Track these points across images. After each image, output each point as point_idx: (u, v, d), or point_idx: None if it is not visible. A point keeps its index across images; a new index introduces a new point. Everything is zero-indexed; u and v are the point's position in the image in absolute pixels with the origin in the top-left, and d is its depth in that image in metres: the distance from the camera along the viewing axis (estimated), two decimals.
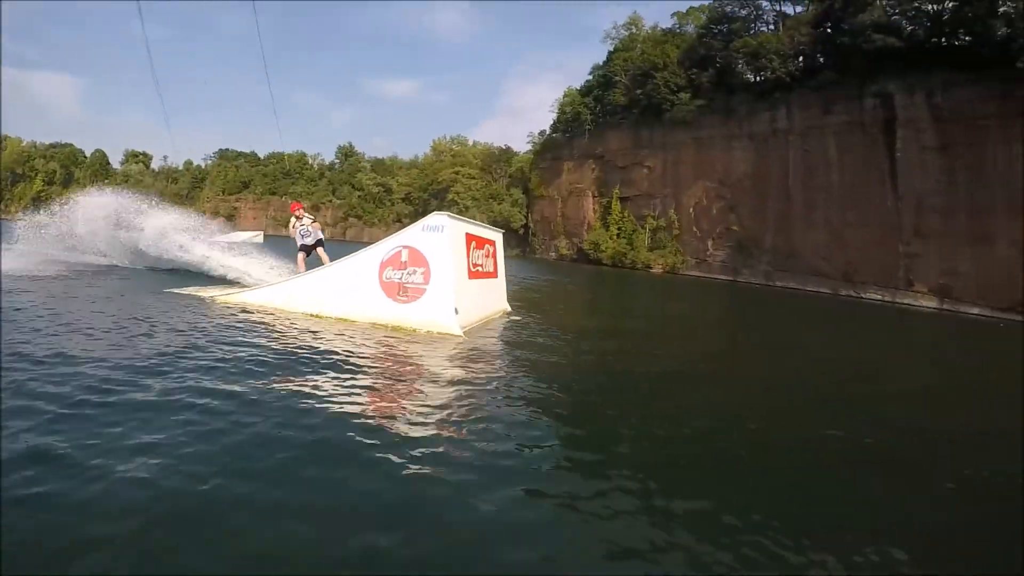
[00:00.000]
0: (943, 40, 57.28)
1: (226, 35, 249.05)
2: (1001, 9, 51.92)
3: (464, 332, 10.77)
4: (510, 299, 17.09)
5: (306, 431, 5.37)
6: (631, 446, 6.14)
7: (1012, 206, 51.11)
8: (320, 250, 15.01)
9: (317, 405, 6.12)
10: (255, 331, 9.65)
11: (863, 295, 59.86)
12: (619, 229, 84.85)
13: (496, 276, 14.94)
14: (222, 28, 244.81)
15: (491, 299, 14.21)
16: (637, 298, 34.81)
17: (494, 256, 14.63)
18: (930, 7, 58.23)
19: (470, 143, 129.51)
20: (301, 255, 14.92)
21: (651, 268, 79.11)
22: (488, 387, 7.49)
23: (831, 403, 9.55)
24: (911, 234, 57.52)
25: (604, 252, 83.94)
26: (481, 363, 8.86)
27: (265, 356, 7.93)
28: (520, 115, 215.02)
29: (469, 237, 12.50)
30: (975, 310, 51.76)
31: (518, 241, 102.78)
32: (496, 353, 10.03)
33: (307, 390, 6.63)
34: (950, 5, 56.18)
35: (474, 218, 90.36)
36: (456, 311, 10.86)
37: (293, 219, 15.24)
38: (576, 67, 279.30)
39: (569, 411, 6.94)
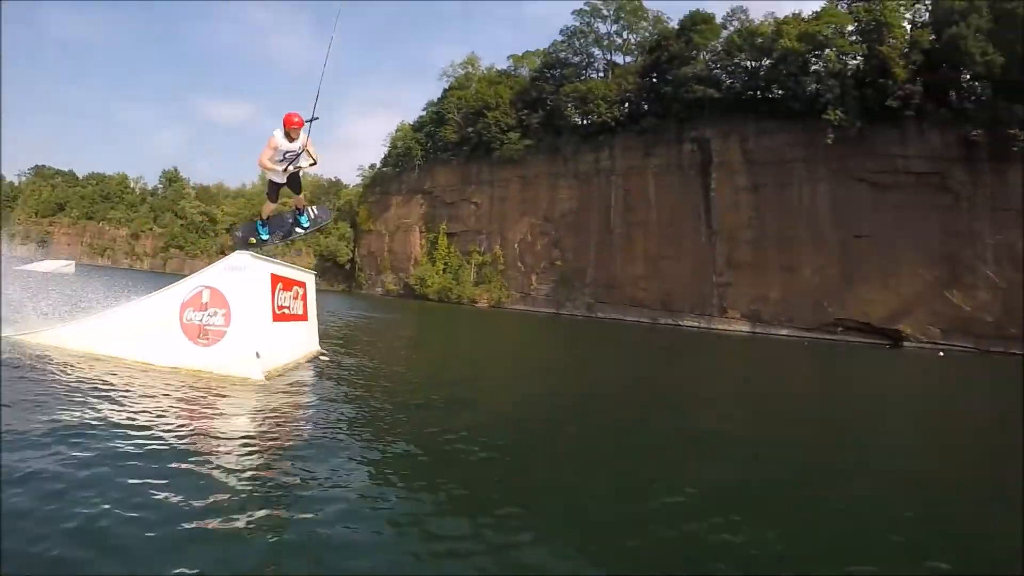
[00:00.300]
0: (758, 92, 62.30)
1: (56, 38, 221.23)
2: (812, 68, 57.57)
3: (268, 377, 9.92)
4: (328, 338, 16.62)
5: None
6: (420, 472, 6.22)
7: (815, 238, 56.73)
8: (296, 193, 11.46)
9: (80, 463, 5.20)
10: (32, 379, 8.11)
11: (680, 323, 62.50)
12: (445, 264, 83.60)
13: (306, 319, 13.94)
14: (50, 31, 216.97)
15: (300, 342, 13.27)
16: (458, 333, 34.56)
17: (304, 298, 13.63)
18: (748, 63, 63.72)
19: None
20: (268, 205, 11.76)
21: (476, 303, 78.15)
22: (275, 437, 6.87)
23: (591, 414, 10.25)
24: (724, 265, 61.52)
25: (430, 287, 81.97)
26: (277, 411, 8.17)
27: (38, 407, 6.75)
28: (352, 147, 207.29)
29: (275, 278, 11.55)
30: (784, 331, 56.25)
31: (344, 276, 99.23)
32: (296, 399, 9.33)
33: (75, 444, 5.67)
34: (767, 62, 61.45)
35: (300, 252, 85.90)
36: (258, 355, 10.00)
37: (280, 139, 10.02)
38: (411, 102, 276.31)
39: (360, 455, 6.51)
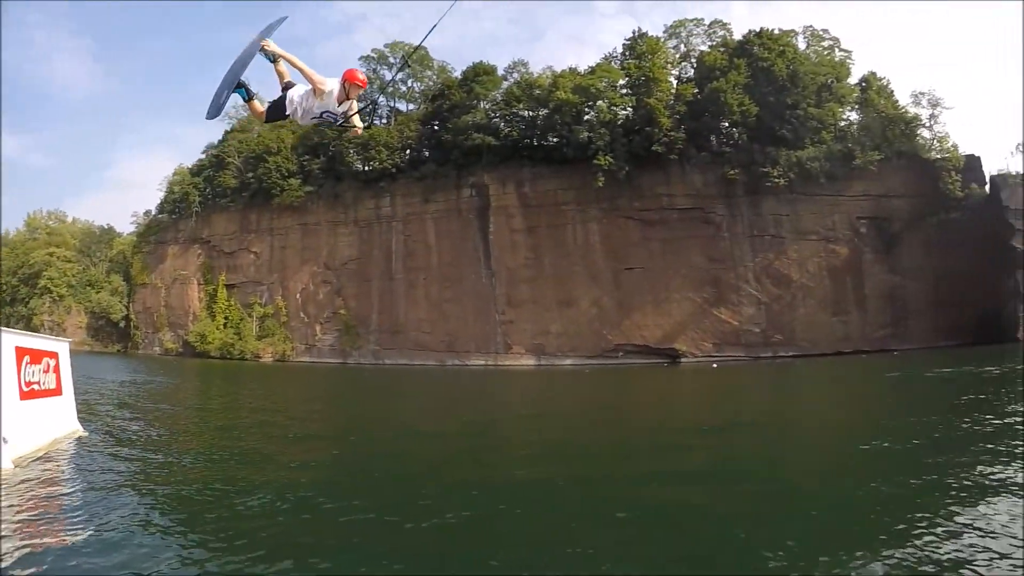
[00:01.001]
0: (534, 140, 61.96)
1: None
2: (586, 118, 58.43)
3: (16, 465, 8.64)
4: (90, 412, 15.20)
5: None
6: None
7: (590, 273, 57.79)
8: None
9: None
10: None
11: (467, 362, 59.39)
12: (226, 318, 73.60)
13: (60, 393, 12.01)
14: None
15: (54, 421, 11.33)
16: (235, 393, 31.22)
17: (57, 370, 11.84)
18: (526, 113, 63.20)
19: (69, 219, 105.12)
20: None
21: (260, 357, 69.32)
22: (23, 542, 5.94)
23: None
24: (505, 304, 59.72)
25: (211, 344, 71.60)
26: (25, 506, 7.08)
27: None
28: (129, 190, 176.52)
29: (20, 351, 10.12)
30: (568, 361, 55.90)
31: (120, 336, 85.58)
32: (50, 491, 7.97)
33: None
34: (543, 112, 61.33)
35: (70, 309, 73.10)
36: (5, 440, 8.54)
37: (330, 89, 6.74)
38: (192, 143, 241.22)
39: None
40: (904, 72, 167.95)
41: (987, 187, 57.74)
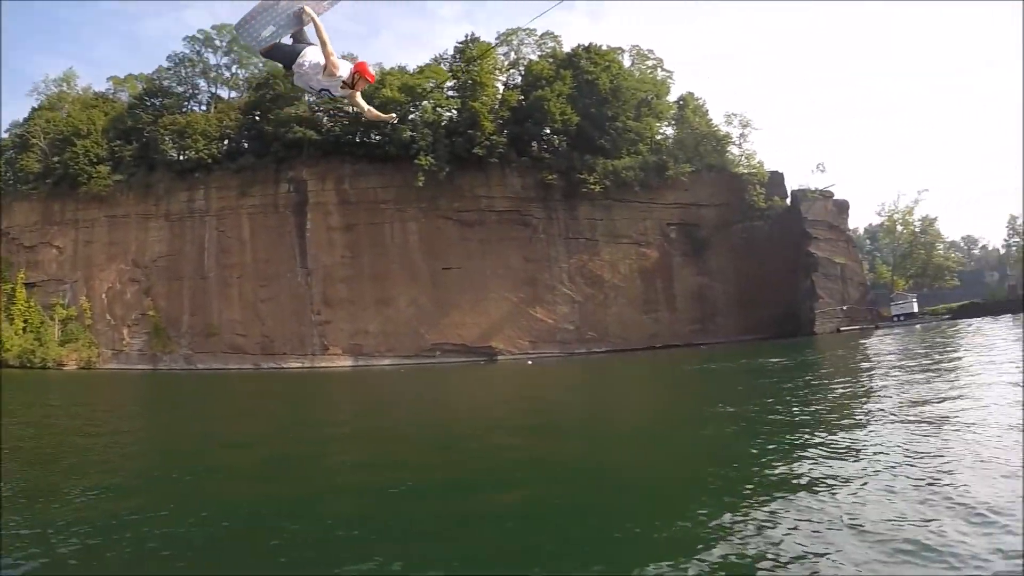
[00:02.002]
0: (357, 137, 59.19)
1: None
2: (410, 117, 56.85)
3: None
4: None
5: None
6: None
7: (407, 272, 56.07)
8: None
9: None
10: None
11: (283, 365, 55.30)
12: (26, 322, 64.73)
13: None
14: None
15: None
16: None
17: None
18: (350, 109, 58.06)
19: None
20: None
21: (64, 365, 61.10)
22: None
23: None
24: (321, 304, 56.58)
25: (10, 351, 62.32)
26: None
27: None
28: None
29: None
30: (386, 361, 53.75)
31: None
32: None
33: None
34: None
35: None
36: None
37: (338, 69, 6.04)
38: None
39: None
40: (724, 96, 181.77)
41: (789, 200, 61.76)
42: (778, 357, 31.65)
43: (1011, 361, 18.60)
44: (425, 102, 57.90)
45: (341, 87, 6.32)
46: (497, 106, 59.06)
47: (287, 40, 6.45)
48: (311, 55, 6.23)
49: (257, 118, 62.92)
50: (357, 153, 58.06)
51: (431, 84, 58.62)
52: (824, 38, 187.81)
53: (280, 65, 6.54)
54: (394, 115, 7.70)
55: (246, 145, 62.88)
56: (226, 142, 63.26)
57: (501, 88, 62.36)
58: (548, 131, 58.76)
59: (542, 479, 9.11)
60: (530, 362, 48.92)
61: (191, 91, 69.61)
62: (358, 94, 6.54)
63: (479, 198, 56.69)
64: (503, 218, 56.42)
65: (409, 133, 55.71)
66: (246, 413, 22.86)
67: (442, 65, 62.36)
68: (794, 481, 7.59)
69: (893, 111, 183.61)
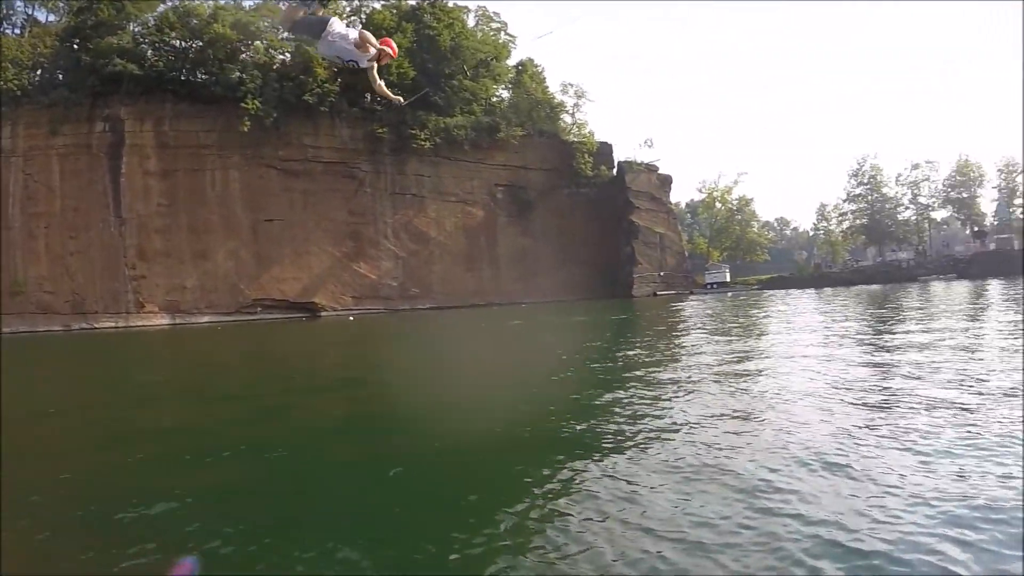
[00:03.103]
0: (182, 74, 54.35)
1: None
2: (241, 57, 53.68)
3: None
4: None
5: None
6: None
7: (227, 224, 52.01)
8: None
9: None
10: None
11: (96, 325, 50.41)
12: None
13: None
14: None
15: None
16: None
17: None
18: (178, 43, 54.95)
19: None
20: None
21: None
22: None
23: None
24: (136, 257, 51.75)
25: None
26: None
27: None
28: None
29: None
30: (205, 319, 50.38)
31: None
32: None
33: None
34: (197, 45, 54.06)
35: None
36: None
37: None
38: None
39: None
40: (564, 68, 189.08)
41: (615, 170, 64.02)
42: (586, 316, 32.76)
43: (807, 327, 19.80)
44: (258, 42, 54.59)
45: (367, 60, 6.56)
46: None
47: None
48: (337, 26, 6.45)
49: (75, 46, 55.68)
50: (180, 92, 53.15)
51: (265, 23, 54.38)
52: (666, 27, 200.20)
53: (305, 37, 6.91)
54: (401, 98, 7.59)
55: (60, 77, 55.69)
56: (39, 72, 56.22)
57: None
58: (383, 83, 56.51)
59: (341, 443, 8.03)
60: (351, 318, 47.65)
61: (5, 11, 60.91)
62: (375, 67, 6.71)
63: (306, 147, 53.85)
64: (329, 169, 54.12)
65: (238, 74, 52.17)
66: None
67: (280, 4, 58.76)
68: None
69: (726, 99, 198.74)
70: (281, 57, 55.34)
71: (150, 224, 51.79)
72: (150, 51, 54.71)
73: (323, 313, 52.21)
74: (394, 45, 6.72)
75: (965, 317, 19.66)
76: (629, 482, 5.07)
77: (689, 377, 10.57)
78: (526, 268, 58.55)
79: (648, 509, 4.48)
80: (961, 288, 41.63)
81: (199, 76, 54.36)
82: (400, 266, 55.01)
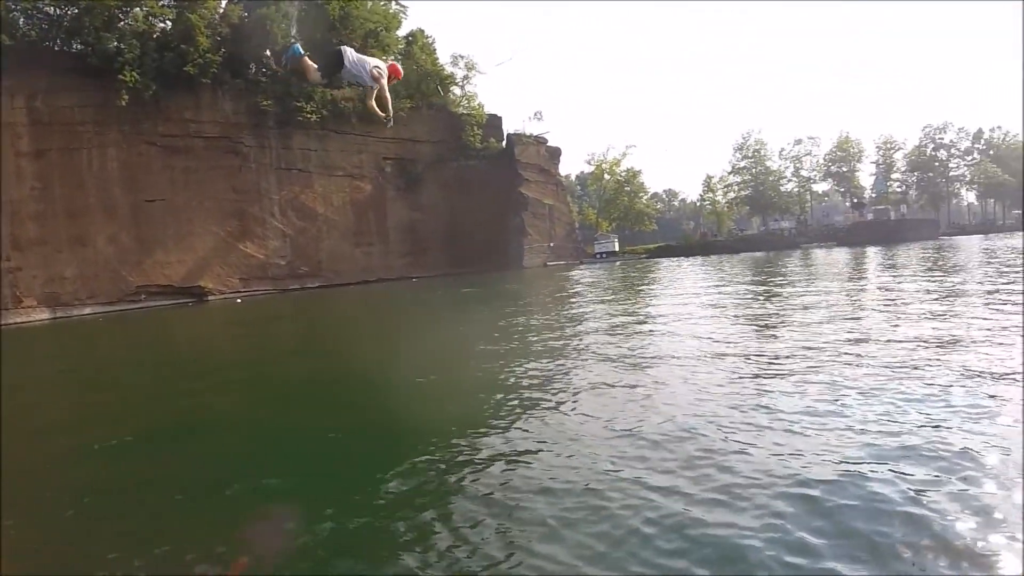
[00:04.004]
0: (56, 44, 50.89)
1: None
2: (119, 24, 49.76)
3: None
4: None
5: None
6: None
7: (106, 206, 48.89)
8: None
9: None
10: None
11: None
12: None
13: None
14: None
15: None
16: None
17: None
18: (52, 10, 51.24)
19: None
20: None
21: None
22: None
23: None
24: (10, 247, 47.60)
25: None
26: None
27: None
28: None
29: None
30: (87, 310, 47.35)
31: None
32: None
33: None
34: (72, 12, 50.27)
35: None
36: None
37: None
38: None
39: None
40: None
41: (504, 143, 64.82)
42: (477, 287, 34.49)
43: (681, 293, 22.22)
44: (137, 8, 50.42)
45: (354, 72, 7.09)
46: (217, 20, 53.10)
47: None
48: (351, 54, 7.04)
49: None
50: (55, 65, 48.67)
51: None
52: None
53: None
54: (390, 118, 7.72)
55: None
56: None
57: (224, 2, 55.76)
58: (268, 53, 53.52)
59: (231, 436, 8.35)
60: (239, 300, 46.28)
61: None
62: (385, 87, 7.31)
63: (187, 122, 50.79)
64: (212, 145, 51.32)
65: (115, 43, 48.48)
66: None
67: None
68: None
69: (615, 74, 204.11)
70: (161, 25, 52.01)
71: (23, 210, 47.66)
72: (22, 19, 50.91)
73: (210, 297, 50.18)
74: (400, 69, 7.55)
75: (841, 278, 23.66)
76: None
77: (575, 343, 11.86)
78: (415, 243, 58.70)
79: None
80: (841, 254, 45.83)
81: (74, 46, 50.77)
82: (288, 244, 53.37)
